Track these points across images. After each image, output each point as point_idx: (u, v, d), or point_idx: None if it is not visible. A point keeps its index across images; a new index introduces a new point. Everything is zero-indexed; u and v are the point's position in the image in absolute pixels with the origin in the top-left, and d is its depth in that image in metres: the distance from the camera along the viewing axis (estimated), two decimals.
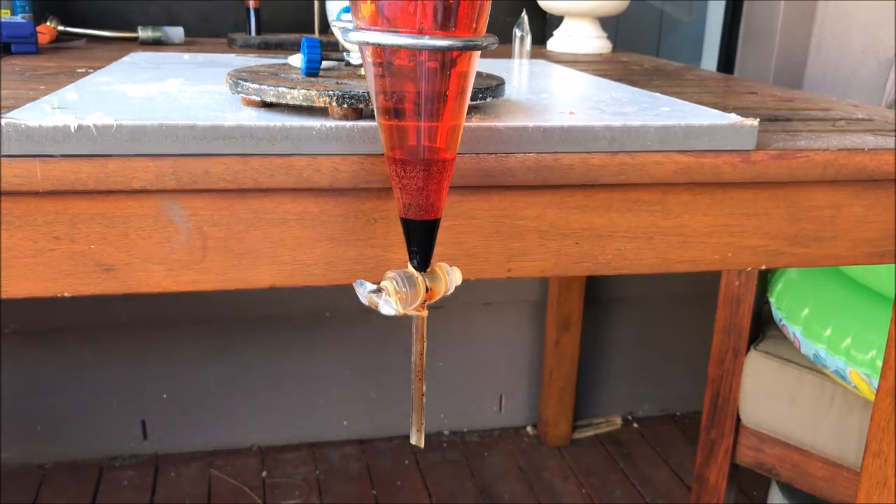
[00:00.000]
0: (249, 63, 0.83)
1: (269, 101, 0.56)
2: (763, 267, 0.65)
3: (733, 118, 0.60)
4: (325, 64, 0.66)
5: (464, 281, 0.52)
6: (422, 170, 0.47)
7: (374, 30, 0.44)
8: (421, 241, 0.49)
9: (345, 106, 0.54)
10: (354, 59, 0.67)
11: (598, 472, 1.72)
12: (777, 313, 1.22)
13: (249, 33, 1.29)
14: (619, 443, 1.84)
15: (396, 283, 0.49)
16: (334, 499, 1.57)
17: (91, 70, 0.82)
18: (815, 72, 1.57)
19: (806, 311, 1.15)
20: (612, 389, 1.91)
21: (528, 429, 1.86)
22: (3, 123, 0.48)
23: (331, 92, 0.54)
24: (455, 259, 0.57)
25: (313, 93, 0.54)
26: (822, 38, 1.55)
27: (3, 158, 0.49)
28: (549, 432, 1.80)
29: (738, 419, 1.27)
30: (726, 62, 1.72)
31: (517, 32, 0.98)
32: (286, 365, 1.69)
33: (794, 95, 0.90)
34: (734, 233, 0.62)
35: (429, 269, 0.50)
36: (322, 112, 0.56)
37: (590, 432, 1.87)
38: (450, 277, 0.51)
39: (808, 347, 1.14)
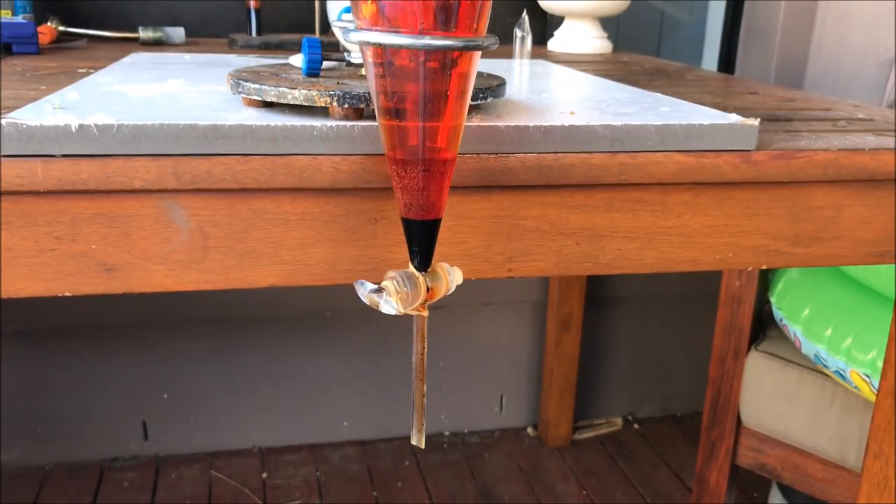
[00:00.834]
0: (250, 63, 0.83)
1: (269, 101, 0.56)
2: (764, 267, 0.65)
3: (734, 118, 0.60)
4: (325, 64, 0.66)
5: (464, 281, 0.52)
6: (422, 170, 0.47)
7: (375, 30, 0.44)
8: (422, 240, 0.49)
9: (346, 106, 0.54)
10: (355, 59, 0.67)
11: (599, 474, 1.72)
12: (778, 313, 1.22)
13: (250, 34, 1.29)
14: (619, 443, 1.84)
15: (397, 282, 0.49)
16: (335, 500, 1.57)
17: (92, 70, 0.82)
18: (815, 72, 1.57)
19: (806, 311, 1.15)
20: (613, 390, 1.91)
21: (529, 429, 1.86)
22: (4, 123, 0.48)
23: (332, 92, 0.54)
24: (455, 259, 0.57)
25: (314, 93, 0.54)
26: (822, 39, 1.55)
27: (4, 158, 0.49)
28: (550, 433, 1.80)
29: (739, 420, 1.27)
30: (727, 62, 1.72)
31: (518, 33, 0.99)
32: (287, 365, 1.69)
33: (794, 95, 0.90)
34: (735, 233, 0.62)
35: (430, 269, 0.50)
36: (323, 112, 0.56)
37: (590, 433, 1.87)
38: (451, 277, 0.51)
39: (809, 347, 1.14)
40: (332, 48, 0.95)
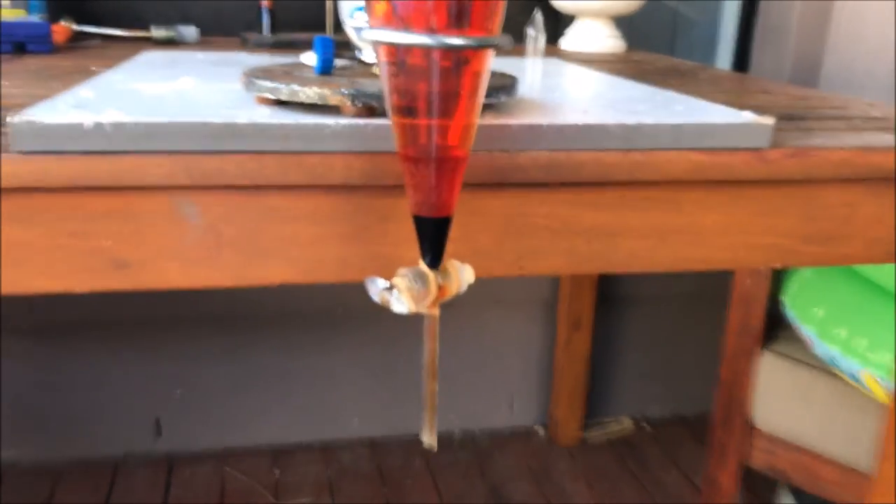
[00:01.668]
0: (263, 62, 0.83)
1: (282, 99, 0.56)
2: (776, 266, 0.65)
3: (748, 116, 0.60)
4: (338, 62, 0.66)
5: (475, 278, 0.52)
6: (434, 168, 0.47)
7: (388, 29, 0.44)
8: (433, 238, 0.49)
9: (358, 104, 0.54)
10: (367, 57, 0.67)
11: (608, 474, 1.71)
12: (790, 313, 1.22)
13: (263, 32, 1.29)
14: (629, 444, 1.83)
15: (408, 280, 0.49)
16: (345, 499, 1.58)
17: (105, 69, 0.83)
18: (830, 71, 1.56)
19: (820, 312, 1.14)
20: (623, 390, 1.90)
21: (539, 429, 1.86)
22: (17, 121, 0.49)
23: (344, 90, 0.54)
24: (466, 257, 0.57)
25: (327, 91, 0.54)
26: (837, 38, 1.54)
27: (18, 155, 0.49)
28: (560, 433, 1.79)
29: (749, 421, 1.26)
30: (741, 62, 1.72)
31: (530, 32, 0.98)
32: (298, 363, 1.69)
33: (808, 94, 0.89)
34: (747, 231, 0.62)
35: (441, 267, 0.50)
36: (335, 110, 0.56)
37: (600, 433, 1.86)
38: (462, 275, 0.51)
39: (823, 349, 1.14)
40: (345, 47, 0.96)
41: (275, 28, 1.31)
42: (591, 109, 0.61)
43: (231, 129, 0.51)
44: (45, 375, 1.58)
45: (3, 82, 0.76)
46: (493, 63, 0.48)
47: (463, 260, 0.53)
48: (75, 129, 0.49)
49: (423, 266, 0.50)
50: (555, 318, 1.79)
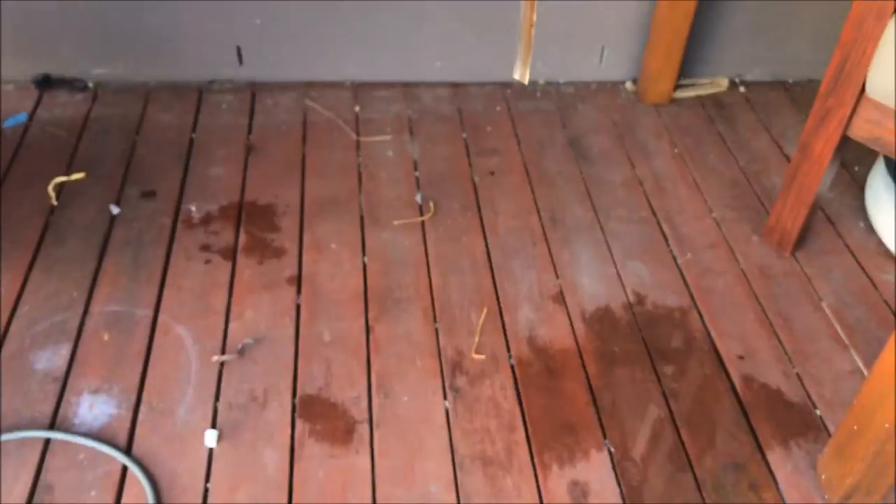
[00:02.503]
0: None
1: None
2: None
3: None
4: None
5: None
6: None
7: None
8: None
9: None
10: None
11: (694, 133, 1.67)
12: None
13: None
14: (721, 105, 1.76)
15: None
16: (425, 139, 1.59)
17: None
18: None
19: None
20: (724, 48, 1.77)
21: (628, 84, 1.79)
22: None
23: None
24: None
25: None
26: None
27: None
28: (650, 88, 1.72)
29: (862, 89, 1.16)
30: None
31: None
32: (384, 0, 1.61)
33: None
34: None
35: None
36: None
37: (692, 92, 1.78)
38: None
39: None
40: None
41: None
42: None
43: None
44: None
45: None
46: None
47: None
48: None
49: None
50: None
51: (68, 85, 1.63)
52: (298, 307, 1.23)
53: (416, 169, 1.51)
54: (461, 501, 0.99)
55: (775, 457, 1.06)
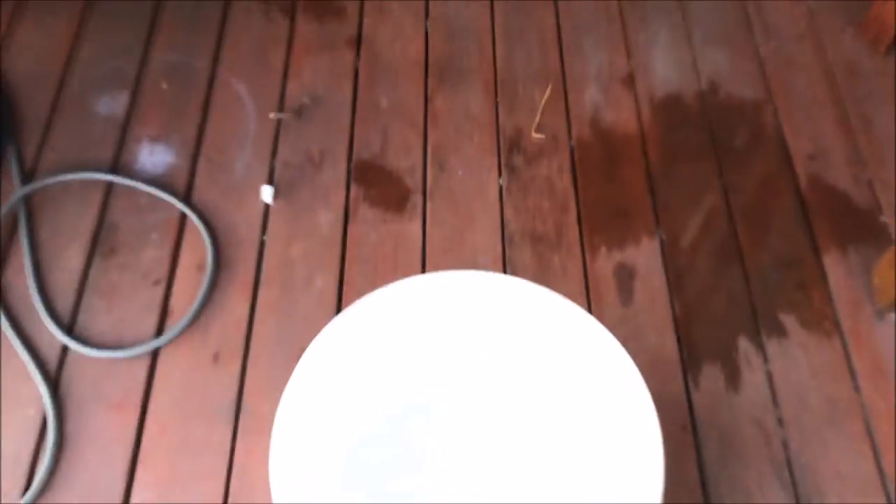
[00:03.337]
0: None
1: None
2: None
3: None
4: None
5: None
6: None
7: None
8: None
9: None
10: None
11: None
12: None
13: None
14: None
15: None
16: None
17: None
18: None
19: None
20: None
21: None
22: None
23: None
24: None
25: None
26: None
27: None
28: None
29: None
30: None
31: None
32: None
33: None
34: None
35: None
36: None
37: None
38: None
39: None
40: None
41: None
42: None
43: None
44: None
45: None
46: None
47: None
48: None
49: None
50: None
51: None
52: (357, 70, 1.20)
53: None
54: (507, 274, 1.01)
55: (830, 259, 1.04)
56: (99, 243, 1.02)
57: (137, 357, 0.93)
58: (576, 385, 0.80)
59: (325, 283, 0.99)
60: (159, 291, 0.98)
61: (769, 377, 0.94)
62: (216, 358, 0.93)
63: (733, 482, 0.86)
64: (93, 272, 0.99)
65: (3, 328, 0.94)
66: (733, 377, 0.94)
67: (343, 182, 1.08)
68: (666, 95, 1.20)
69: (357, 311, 0.71)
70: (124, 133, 1.11)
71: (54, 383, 0.91)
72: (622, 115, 1.17)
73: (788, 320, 0.98)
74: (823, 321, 0.99)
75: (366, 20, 1.25)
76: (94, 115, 1.12)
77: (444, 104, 1.17)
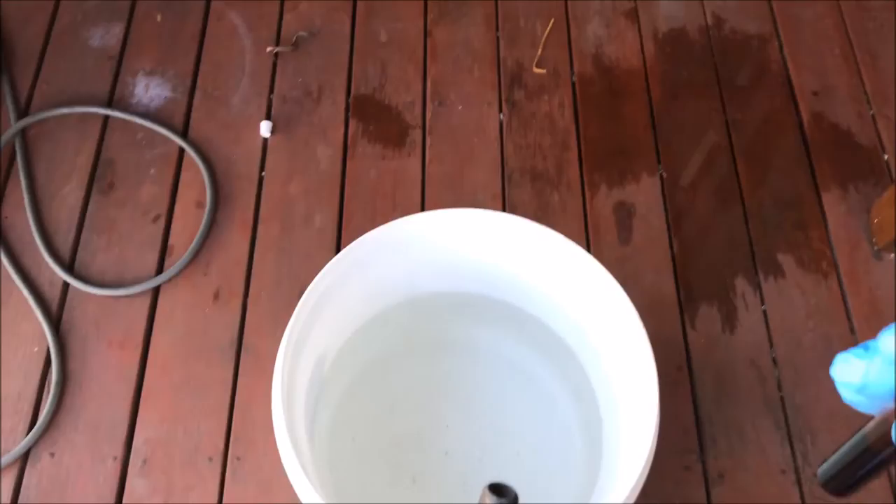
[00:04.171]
0: None
1: None
2: None
3: None
4: None
5: None
6: None
7: None
8: None
9: None
10: None
11: None
12: None
13: None
14: None
15: None
16: None
17: None
18: None
19: None
20: None
21: None
22: None
23: None
24: None
25: None
26: None
27: None
28: None
29: None
30: None
31: None
32: None
33: None
34: None
35: None
36: None
37: None
38: None
39: None
40: None
41: None
42: None
43: None
44: None
45: None
46: None
47: None
48: None
49: None
50: None
51: None
52: (355, 3, 1.17)
53: None
54: (507, 211, 1.01)
55: (830, 197, 1.04)
56: (97, 179, 1.01)
57: (138, 295, 0.93)
58: (573, 324, 0.81)
59: (325, 220, 0.99)
60: (159, 228, 0.98)
61: (765, 317, 0.95)
62: (217, 296, 0.94)
63: (727, 421, 0.88)
64: (91, 208, 0.99)
65: (3, 264, 0.94)
66: (730, 317, 0.95)
67: (342, 117, 1.07)
68: (670, 30, 1.18)
69: (357, 249, 0.71)
70: (119, 66, 1.09)
71: (56, 321, 0.91)
72: (626, 50, 1.15)
73: (786, 260, 0.99)
74: (821, 261, 0.99)
75: None
76: (87, 48, 1.10)
77: (444, 37, 1.15)
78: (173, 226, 0.98)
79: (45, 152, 1.02)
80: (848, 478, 0.30)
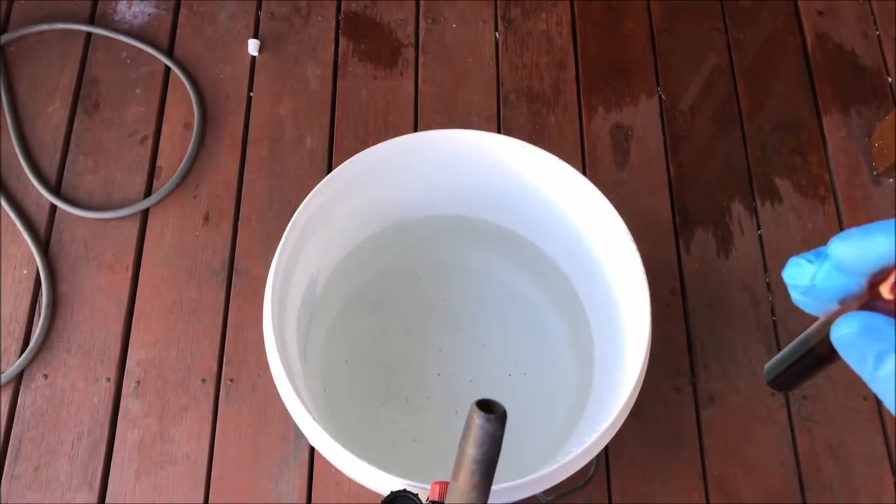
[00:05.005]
0: None
1: None
2: None
3: None
4: None
5: None
6: None
7: None
8: None
9: None
10: None
11: None
12: None
13: None
14: None
15: None
16: None
17: None
18: None
19: None
20: None
21: None
22: None
23: None
24: None
25: None
26: None
27: None
28: None
29: None
30: None
31: None
32: None
33: None
34: None
35: None
36: None
37: None
38: None
39: None
40: None
41: None
42: None
43: None
44: None
45: None
46: None
47: None
48: None
49: None
50: None
51: None
52: None
53: None
54: (502, 133, 0.99)
55: (831, 121, 1.02)
56: (81, 98, 0.98)
57: (127, 217, 0.92)
58: (566, 247, 0.80)
59: (315, 141, 0.97)
60: (146, 149, 0.96)
61: (760, 242, 0.94)
62: (207, 218, 0.92)
63: (719, 344, 0.88)
64: (77, 129, 0.97)
65: None
66: (725, 242, 0.94)
67: (332, 35, 1.04)
68: None
69: (347, 170, 0.70)
70: None
71: (45, 243, 0.90)
72: None
73: (784, 185, 0.98)
74: (819, 186, 0.98)
75: None
76: None
77: None
78: (161, 147, 0.96)
79: (26, 71, 0.99)
80: (791, 376, 0.32)
